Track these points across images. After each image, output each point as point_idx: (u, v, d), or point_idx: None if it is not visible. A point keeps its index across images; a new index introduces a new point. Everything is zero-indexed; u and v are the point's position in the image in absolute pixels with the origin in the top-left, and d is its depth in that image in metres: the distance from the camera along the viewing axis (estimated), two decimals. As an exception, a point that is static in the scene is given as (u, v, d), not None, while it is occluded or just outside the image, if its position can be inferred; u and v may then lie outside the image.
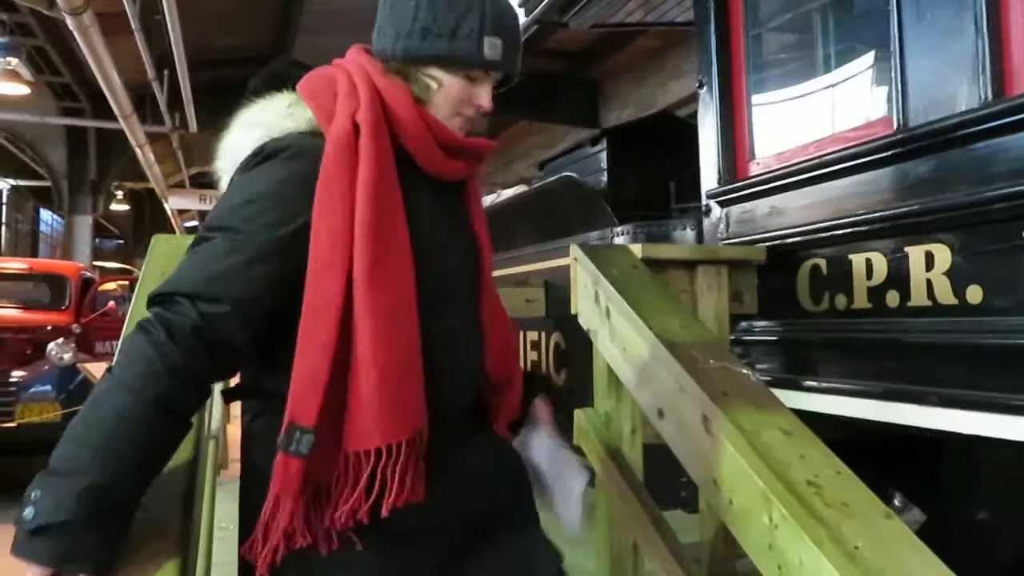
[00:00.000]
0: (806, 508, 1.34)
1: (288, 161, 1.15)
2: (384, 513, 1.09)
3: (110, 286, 11.30)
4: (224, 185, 1.24)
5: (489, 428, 1.34)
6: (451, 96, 1.23)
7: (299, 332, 1.10)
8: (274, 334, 1.12)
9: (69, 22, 6.15)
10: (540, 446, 1.43)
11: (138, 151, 11.19)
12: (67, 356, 6.74)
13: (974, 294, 1.81)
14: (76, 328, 7.88)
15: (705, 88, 2.71)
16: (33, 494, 0.95)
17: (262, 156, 1.17)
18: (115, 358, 1.07)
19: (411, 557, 1.16)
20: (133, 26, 7.48)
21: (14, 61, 8.95)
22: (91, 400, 1.03)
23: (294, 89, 1.23)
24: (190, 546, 1.10)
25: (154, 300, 1.10)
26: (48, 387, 6.53)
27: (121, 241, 23.68)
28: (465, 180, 1.34)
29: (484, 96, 1.25)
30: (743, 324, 2.55)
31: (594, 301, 2.16)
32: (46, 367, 6.67)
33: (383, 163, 1.15)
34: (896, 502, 2.09)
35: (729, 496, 1.52)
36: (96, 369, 6.47)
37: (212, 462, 2.27)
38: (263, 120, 1.22)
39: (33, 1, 6.63)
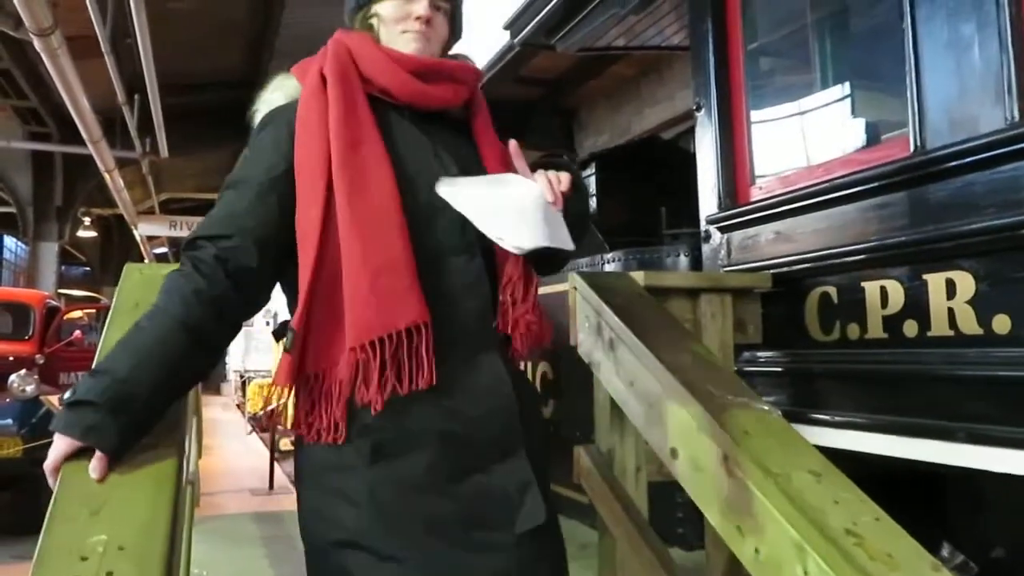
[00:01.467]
0: (847, 560, 1.23)
1: (269, 126, 1.37)
2: (403, 390, 1.22)
3: (76, 314, 11.03)
4: None
5: (501, 355, 1.35)
6: (390, 18, 1.38)
7: (299, 253, 1.28)
8: (294, 274, 1.29)
9: (36, 44, 5.98)
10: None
11: (107, 176, 10.95)
12: (30, 388, 6.49)
13: (1001, 324, 1.72)
14: (40, 359, 7.63)
15: (703, 110, 2.63)
16: (77, 382, 1.19)
17: (260, 126, 1.39)
18: (157, 295, 1.25)
19: (402, 467, 1.25)
20: (103, 49, 7.32)
21: (-22, 84, 8.73)
22: (137, 322, 1.22)
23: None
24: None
25: (185, 246, 1.29)
26: (9, 420, 6.27)
27: (88, 268, 23.21)
28: (472, 118, 1.44)
29: (417, 6, 1.36)
30: (747, 354, 2.45)
31: (596, 332, 2.04)
32: (7, 399, 6.41)
33: (349, 100, 1.32)
34: (944, 552, 1.97)
35: (756, 545, 1.40)
36: (60, 402, 6.23)
37: (190, 507, 2.12)
38: (265, 97, 1.43)
39: (-1, 22, 6.45)
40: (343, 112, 1.30)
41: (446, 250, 1.32)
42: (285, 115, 1.35)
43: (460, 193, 1.30)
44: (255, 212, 1.29)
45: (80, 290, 20.69)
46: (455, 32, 1.46)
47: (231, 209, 1.30)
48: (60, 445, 1.15)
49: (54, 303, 9.04)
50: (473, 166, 1.38)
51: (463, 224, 1.30)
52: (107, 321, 1.56)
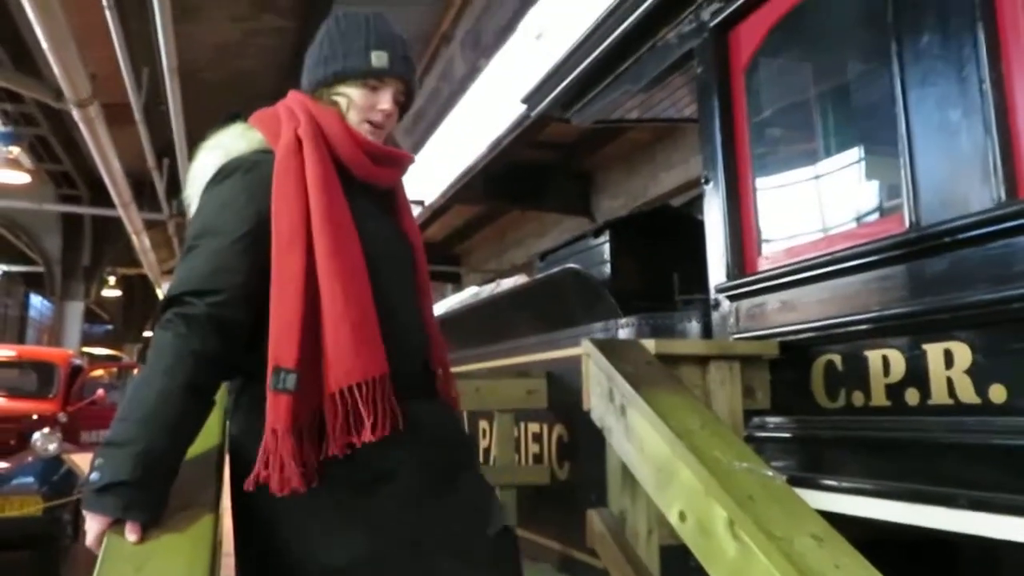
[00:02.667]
0: (847, 623, 1.28)
1: (247, 173, 1.45)
2: (374, 436, 1.34)
3: (98, 373, 11.16)
4: (194, 209, 1.50)
5: (437, 397, 1.58)
6: (357, 105, 1.53)
7: (271, 300, 1.36)
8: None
9: (75, 113, 6.27)
10: None
11: (134, 238, 11.25)
12: (52, 447, 6.55)
13: (997, 393, 1.79)
14: (63, 417, 7.72)
15: (711, 183, 2.74)
16: (97, 461, 1.24)
17: (226, 172, 1.46)
18: (148, 352, 1.33)
19: (379, 500, 1.39)
20: (136, 117, 7.62)
21: (16, 150, 9.06)
22: (134, 386, 1.32)
23: (243, 121, 1.55)
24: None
25: (170, 302, 1.36)
26: (31, 479, 6.30)
27: (111, 326, 23.51)
28: (395, 192, 1.64)
29: (385, 100, 1.54)
30: (756, 420, 2.51)
31: (608, 398, 2.12)
32: (30, 458, 6.47)
33: (326, 166, 1.45)
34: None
35: (761, 608, 1.45)
36: (82, 460, 6.29)
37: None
38: (221, 143, 1.51)
39: (41, 94, 6.75)
40: (322, 176, 1.43)
41: (397, 304, 1.49)
42: (258, 168, 1.44)
43: None
44: (241, 267, 1.38)
45: (102, 348, 20.93)
46: (403, 115, 1.66)
47: (216, 263, 1.37)
48: (97, 525, 1.24)
49: (78, 362, 9.17)
50: (398, 230, 1.60)
51: (406, 284, 1.55)
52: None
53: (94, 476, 1.23)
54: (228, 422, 1.52)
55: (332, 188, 1.44)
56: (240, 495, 1.41)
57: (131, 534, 1.22)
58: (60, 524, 6.54)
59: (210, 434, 1.48)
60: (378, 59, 1.52)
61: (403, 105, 1.61)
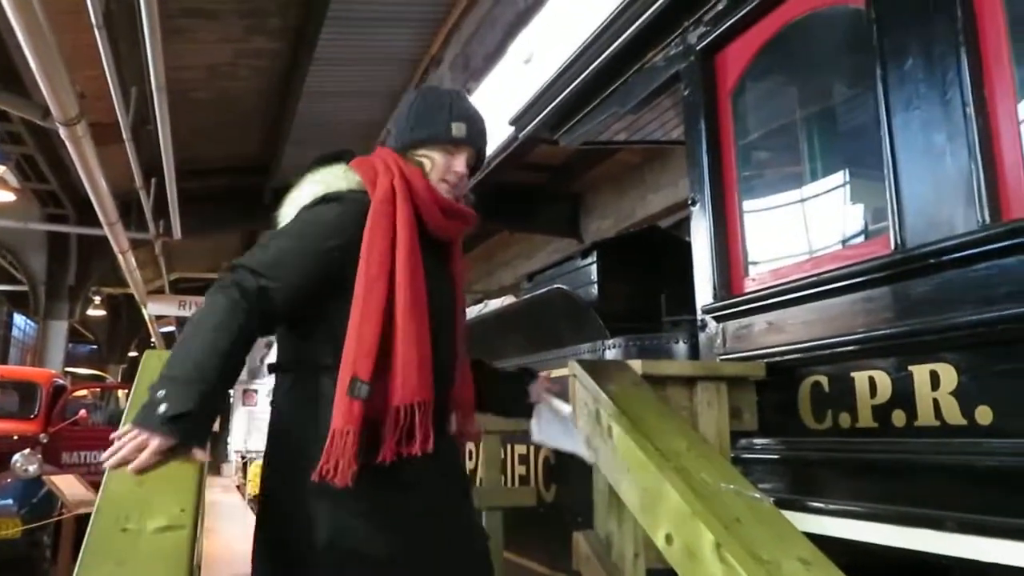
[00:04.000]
0: (834, 647, 1.26)
1: (341, 203, 1.71)
2: (420, 451, 1.60)
3: (81, 393, 11.05)
4: (282, 224, 1.77)
5: (448, 428, 1.84)
6: (437, 166, 1.80)
7: (352, 318, 1.62)
8: (313, 318, 1.67)
9: (62, 132, 6.24)
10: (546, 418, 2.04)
11: (120, 257, 11.17)
12: (32, 468, 6.47)
13: (983, 415, 1.79)
14: (44, 438, 7.63)
15: (698, 205, 2.75)
16: (159, 394, 1.45)
17: (324, 199, 1.72)
18: (201, 306, 1.58)
19: (408, 500, 1.65)
20: (124, 136, 7.60)
21: (1, 169, 9.02)
22: (193, 332, 1.54)
23: (345, 162, 1.80)
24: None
25: (236, 267, 1.62)
26: (10, 500, 6.22)
27: (95, 346, 23.30)
28: (452, 244, 1.88)
29: (460, 164, 1.82)
30: (743, 441, 2.50)
31: (595, 419, 2.10)
32: (9, 479, 6.38)
33: (411, 214, 1.71)
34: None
35: (748, 632, 1.43)
36: (62, 481, 6.20)
37: None
38: (325, 179, 1.77)
39: (27, 112, 6.73)
40: (409, 223, 1.70)
41: (440, 348, 1.72)
42: (355, 204, 1.70)
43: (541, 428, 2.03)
44: (302, 271, 1.64)
45: (86, 368, 20.73)
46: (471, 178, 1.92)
47: (281, 258, 1.64)
48: (160, 444, 1.43)
49: (61, 382, 9.08)
50: (452, 283, 1.86)
51: (449, 332, 1.80)
52: (127, 408, 1.64)
53: (161, 408, 1.44)
54: (275, 410, 1.75)
55: (414, 235, 1.70)
56: (276, 482, 1.68)
57: (198, 453, 1.48)
58: (39, 546, 6.44)
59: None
60: (457, 130, 1.82)
61: (473, 168, 1.89)
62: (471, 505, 1.89)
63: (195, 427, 1.48)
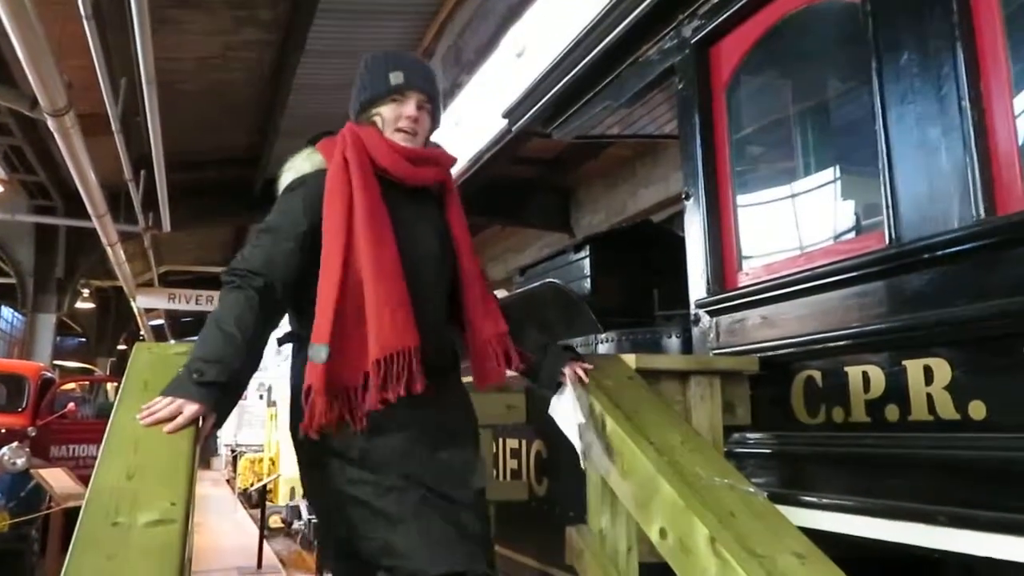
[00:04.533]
0: (830, 642, 1.26)
1: (305, 187, 1.85)
2: (407, 392, 1.72)
3: (70, 386, 10.98)
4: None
5: (456, 374, 2.01)
6: (388, 119, 1.91)
7: (318, 292, 1.75)
8: (305, 294, 1.79)
9: (50, 123, 6.18)
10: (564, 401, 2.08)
11: (109, 250, 11.10)
12: (20, 461, 6.43)
13: (977, 410, 1.79)
14: (32, 431, 7.58)
15: (691, 199, 2.74)
16: (194, 366, 1.62)
17: (291, 187, 1.88)
18: (218, 306, 1.75)
19: (408, 439, 1.80)
20: (113, 127, 7.54)
21: (-11, 160, 8.93)
22: (216, 324, 1.69)
23: (312, 145, 1.94)
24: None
25: (232, 271, 1.76)
26: (-3, 494, 6.18)
27: (83, 339, 23.16)
28: (444, 193, 1.99)
29: (408, 109, 1.91)
30: (736, 436, 2.50)
31: (588, 414, 2.10)
32: (-3, 473, 6.33)
33: (367, 177, 1.82)
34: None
35: (743, 626, 1.43)
36: (50, 475, 6.16)
37: None
38: (293, 165, 1.92)
39: (15, 102, 6.66)
40: (362, 180, 1.80)
41: (428, 295, 1.86)
42: (315, 183, 1.83)
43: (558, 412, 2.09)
44: (288, 262, 1.78)
45: (74, 362, 20.61)
46: (435, 122, 2.00)
47: (270, 255, 1.78)
48: (197, 409, 1.58)
49: (49, 375, 9.02)
50: (444, 230, 1.95)
51: (438, 278, 1.92)
52: (117, 401, 1.62)
53: (195, 376, 1.60)
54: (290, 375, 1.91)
55: (374, 195, 1.80)
56: (295, 433, 1.84)
57: (208, 421, 1.63)
58: (27, 541, 6.41)
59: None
60: (396, 78, 1.90)
61: (432, 113, 1.96)
62: (473, 449, 1.96)
63: (224, 399, 1.65)
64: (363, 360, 1.73)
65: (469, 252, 1.99)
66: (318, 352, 1.71)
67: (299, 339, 1.89)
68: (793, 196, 2.58)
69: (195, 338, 1.77)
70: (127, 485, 1.37)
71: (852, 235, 2.30)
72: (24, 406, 7.90)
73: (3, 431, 7.14)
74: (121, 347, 22.07)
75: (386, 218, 1.80)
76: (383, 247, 1.77)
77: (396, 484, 1.75)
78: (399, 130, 1.89)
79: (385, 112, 1.90)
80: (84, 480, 5.75)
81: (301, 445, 1.85)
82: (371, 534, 1.75)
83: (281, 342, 1.96)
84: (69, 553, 1.19)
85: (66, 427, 8.19)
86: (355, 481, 1.77)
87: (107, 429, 1.51)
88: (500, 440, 3.78)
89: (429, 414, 1.83)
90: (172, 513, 1.32)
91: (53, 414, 8.03)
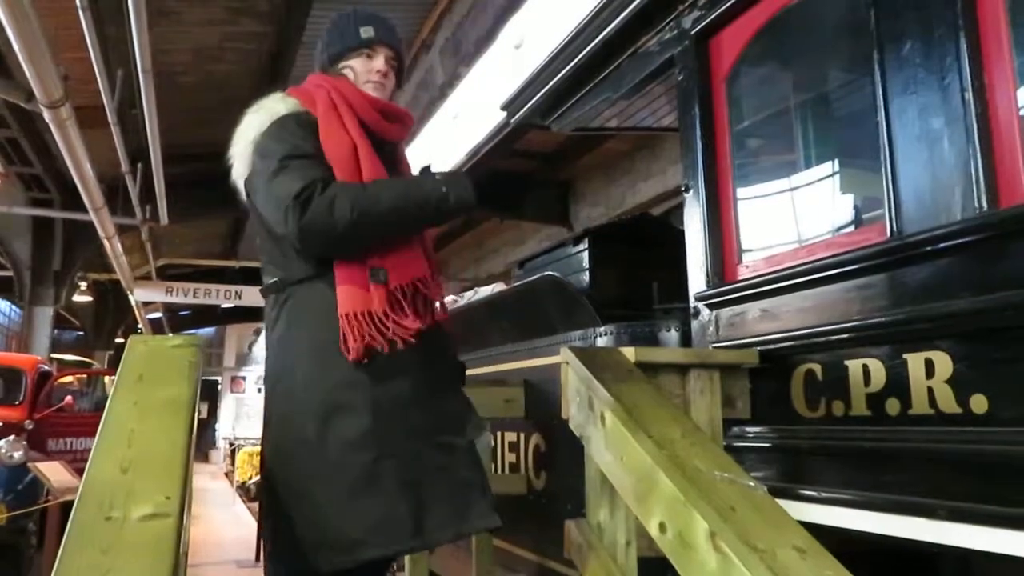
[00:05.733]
0: (831, 637, 1.25)
1: (295, 119, 1.88)
2: (426, 324, 1.88)
3: (67, 379, 10.95)
4: (238, 164, 1.94)
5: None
6: (359, 71, 2.00)
7: None
8: (287, 241, 1.83)
9: (46, 115, 6.15)
10: None
11: (106, 243, 11.07)
12: (17, 454, 6.42)
13: (978, 403, 1.78)
14: (29, 424, 7.57)
15: (691, 191, 2.73)
16: (442, 190, 1.85)
17: (282, 121, 1.87)
18: (340, 209, 1.77)
19: (424, 371, 1.88)
20: (110, 119, 7.51)
21: (-15, 152, 8.89)
22: (378, 202, 1.79)
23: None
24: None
25: (303, 190, 1.74)
26: (-5, 487, 6.17)
27: (81, 332, 23.12)
28: (396, 146, 2.06)
29: (378, 63, 2.01)
30: (735, 429, 2.49)
31: (587, 407, 2.09)
32: (-7, 466, 6.32)
33: (359, 123, 1.89)
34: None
35: (743, 622, 1.42)
36: (47, 468, 6.14)
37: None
38: (264, 106, 1.92)
39: (11, 94, 6.63)
40: (358, 128, 1.87)
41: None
42: (307, 119, 1.88)
43: None
44: (322, 167, 1.81)
45: (72, 355, 20.57)
46: (399, 83, 2.11)
47: (308, 170, 1.78)
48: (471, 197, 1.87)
49: (46, 368, 9.00)
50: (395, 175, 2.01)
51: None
52: (111, 394, 1.60)
53: (459, 191, 1.87)
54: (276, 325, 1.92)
55: (366, 139, 1.87)
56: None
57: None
58: (24, 534, 6.40)
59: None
60: (366, 32, 1.99)
61: (397, 70, 2.06)
62: (464, 394, 2.05)
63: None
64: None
65: None
66: (376, 274, 1.80)
67: (300, 280, 1.87)
68: (793, 188, 2.56)
69: (193, 331, 1.83)
70: (121, 479, 1.35)
71: (853, 227, 2.28)
72: (21, 399, 7.88)
73: (0, 424, 7.13)
74: (119, 340, 22.01)
75: (381, 164, 1.88)
76: (383, 176, 1.88)
77: (396, 451, 1.79)
78: (370, 83, 1.98)
79: (356, 65, 1.99)
80: (81, 473, 5.73)
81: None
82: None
83: (271, 291, 1.94)
84: (62, 548, 1.18)
85: (63, 420, 8.18)
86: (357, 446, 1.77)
87: (101, 422, 1.49)
88: (498, 434, 3.77)
89: (430, 359, 1.91)
90: (167, 507, 1.31)
91: (50, 407, 8.03)
